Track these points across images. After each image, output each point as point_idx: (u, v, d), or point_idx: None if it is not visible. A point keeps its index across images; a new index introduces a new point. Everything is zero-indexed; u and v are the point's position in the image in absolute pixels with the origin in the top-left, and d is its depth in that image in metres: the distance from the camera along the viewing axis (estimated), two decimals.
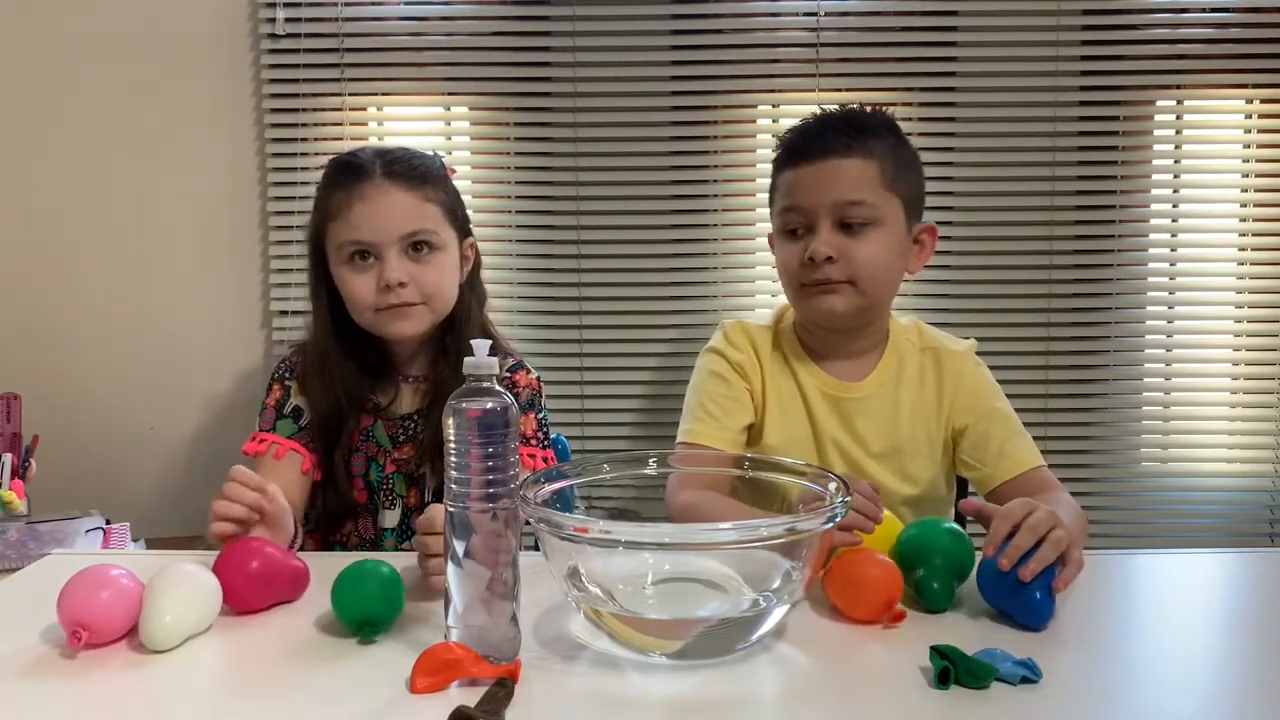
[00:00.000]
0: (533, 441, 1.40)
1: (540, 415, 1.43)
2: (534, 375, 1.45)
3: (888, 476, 1.36)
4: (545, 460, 1.40)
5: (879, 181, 1.31)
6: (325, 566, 1.03)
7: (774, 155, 1.39)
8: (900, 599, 0.94)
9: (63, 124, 2.01)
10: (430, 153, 1.43)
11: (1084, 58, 1.99)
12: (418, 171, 1.37)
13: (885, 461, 1.37)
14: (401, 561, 1.01)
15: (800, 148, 1.34)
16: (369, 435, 1.41)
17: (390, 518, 1.40)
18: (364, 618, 0.91)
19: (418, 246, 1.34)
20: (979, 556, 0.98)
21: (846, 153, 1.30)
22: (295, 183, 2.00)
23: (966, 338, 1.46)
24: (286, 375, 1.42)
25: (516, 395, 1.40)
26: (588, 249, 2.04)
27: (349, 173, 1.35)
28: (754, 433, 1.40)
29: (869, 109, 1.39)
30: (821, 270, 1.30)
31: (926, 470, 1.38)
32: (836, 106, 1.40)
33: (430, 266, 1.35)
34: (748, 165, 2.03)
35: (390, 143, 1.89)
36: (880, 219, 1.31)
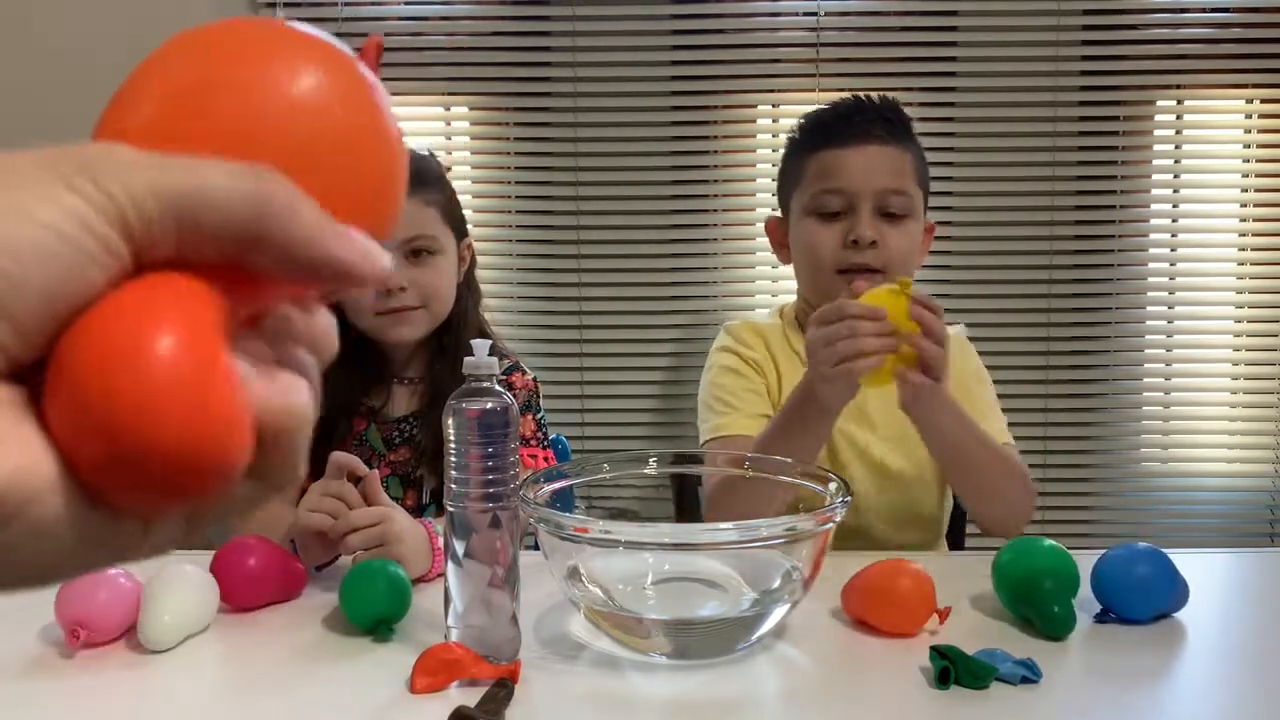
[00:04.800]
0: (532, 442, 1.40)
1: (539, 416, 1.43)
2: (530, 376, 1.45)
3: (898, 459, 1.35)
4: (545, 460, 1.39)
5: (913, 174, 1.31)
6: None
7: (796, 137, 1.36)
8: (935, 605, 0.92)
9: (63, 126, 2.01)
10: (426, 152, 1.42)
11: (1084, 58, 1.99)
12: (417, 175, 1.36)
13: (895, 445, 1.36)
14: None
15: (841, 129, 1.30)
16: (363, 439, 1.40)
17: None
18: (379, 616, 0.91)
19: (417, 252, 1.34)
20: (1083, 562, 0.96)
21: (889, 141, 1.29)
22: None
23: (954, 323, 1.44)
24: None
25: (514, 397, 1.40)
26: (588, 249, 2.04)
27: None
28: None
29: (891, 101, 1.35)
30: (861, 255, 1.28)
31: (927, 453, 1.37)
32: (861, 95, 1.36)
33: (429, 270, 1.35)
34: (748, 165, 2.03)
35: None
36: (913, 211, 1.30)
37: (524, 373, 1.45)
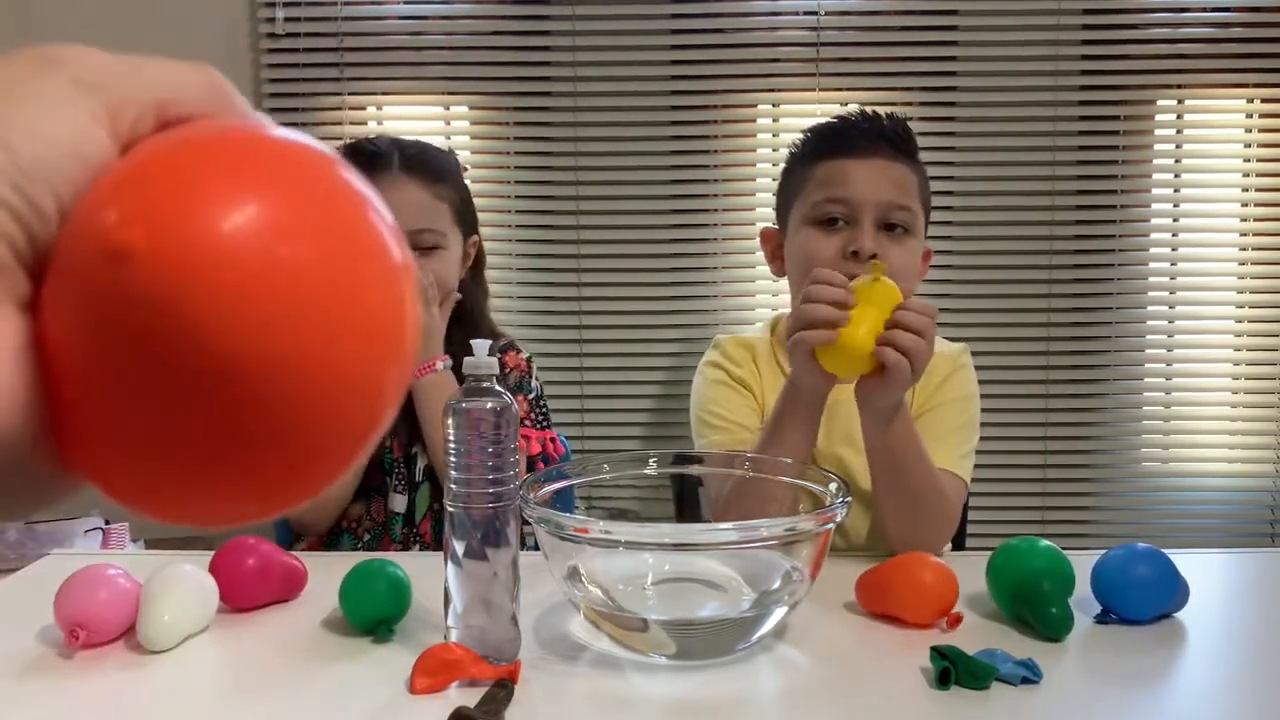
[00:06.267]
0: (525, 423, 1.39)
1: (532, 395, 1.42)
2: (524, 356, 1.45)
3: None
4: (551, 443, 1.41)
5: (916, 192, 1.30)
6: (323, 565, 1.04)
7: (801, 146, 1.34)
8: (956, 601, 0.92)
9: None
10: (447, 148, 1.45)
11: (1084, 57, 1.99)
12: (434, 168, 1.38)
13: None
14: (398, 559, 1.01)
15: (849, 140, 1.29)
16: None
17: (399, 502, 1.40)
18: (379, 617, 0.91)
19: (422, 245, 1.36)
20: (1081, 564, 0.95)
21: (896, 157, 1.28)
22: None
23: (964, 339, 1.44)
24: None
25: (504, 376, 1.40)
26: (588, 249, 2.04)
27: (364, 158, 1.34)
28: None
29: (900, 119, 1.35)
30: (860, 268, 1.26)
31: None
32: (870, 110, 1.36)
33: (434, 261, 1.37)
34: (748, 165, 2.03)
35: None
36: (915, 229, 1.29)
37: (518, 352, 1.45)
